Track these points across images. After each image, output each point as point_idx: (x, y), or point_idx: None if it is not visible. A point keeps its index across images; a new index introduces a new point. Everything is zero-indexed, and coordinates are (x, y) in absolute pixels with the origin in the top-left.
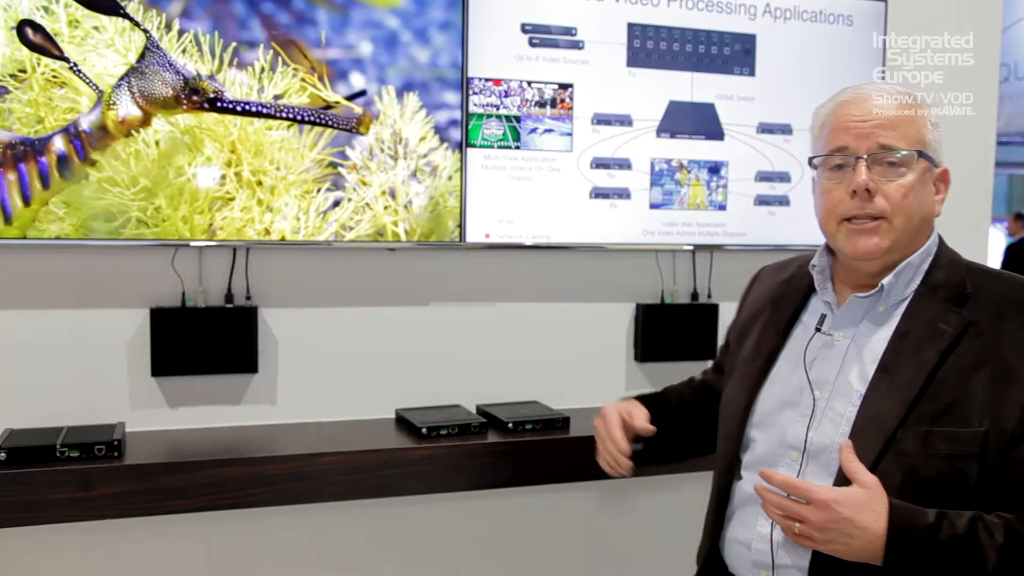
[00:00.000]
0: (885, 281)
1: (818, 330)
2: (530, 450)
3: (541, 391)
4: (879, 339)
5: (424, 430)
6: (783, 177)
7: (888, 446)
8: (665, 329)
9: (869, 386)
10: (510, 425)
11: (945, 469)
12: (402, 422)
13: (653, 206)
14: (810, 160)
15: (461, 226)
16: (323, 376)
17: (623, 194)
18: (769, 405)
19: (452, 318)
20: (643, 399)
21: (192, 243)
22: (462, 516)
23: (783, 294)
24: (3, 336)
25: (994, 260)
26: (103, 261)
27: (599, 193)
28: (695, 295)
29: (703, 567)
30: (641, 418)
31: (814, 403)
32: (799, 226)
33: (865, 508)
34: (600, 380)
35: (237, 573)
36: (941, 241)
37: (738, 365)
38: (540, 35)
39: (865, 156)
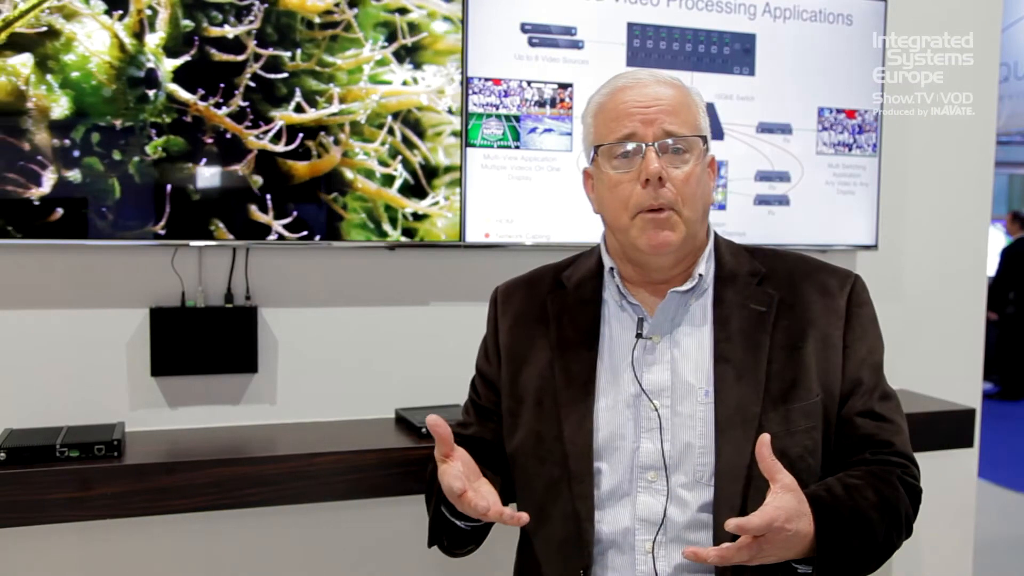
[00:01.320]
0: (701, 270)
1: (640, 336)
2: None
3: None
4: (700, 332)
5: (424, 430)
6: (783, 177)
7: (758, 434)
8: None
9: (715, 380)
10: None
11: (807, 443)
12: (402, 422)
13: None
14: (594, 149)
15: (461, 226)
16: (323, 376)
17: None
18: (607, 430)
19: (452, 318)
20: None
21: (192, 243)
22: None
23: (562, 310)
24: (3, 336)
25: (992, 260)
26: (103, 261)
27: None
28: None
29: None
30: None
31: (658, 414)
32: (799, 226)
33: (801, 515)
34: None
35: (237, 573)
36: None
37: (539, 398)
38: (540, 35)
39: (654, 143)
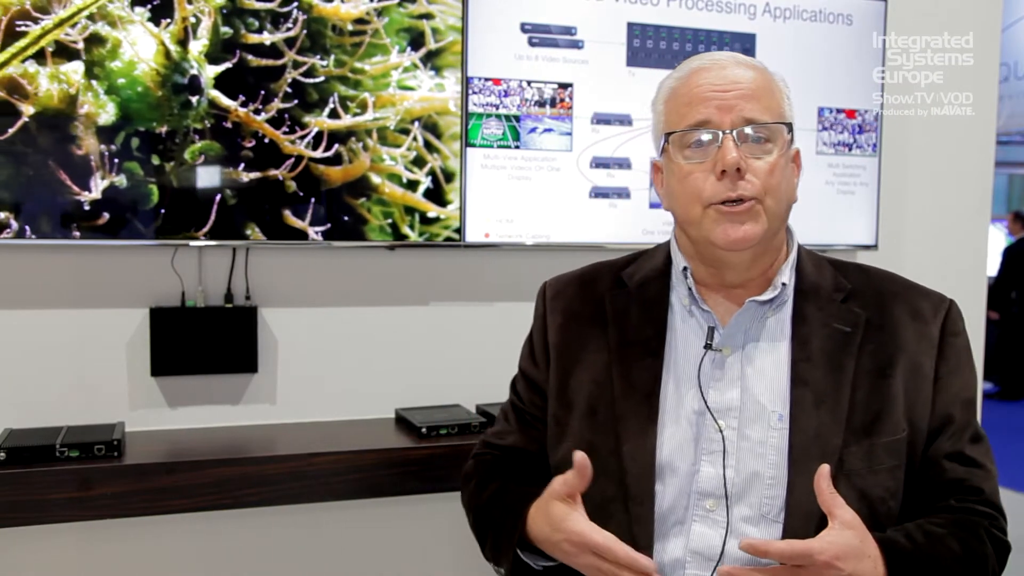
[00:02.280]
0: (784, 279)
1: (708, 347)
2: None
3: None
4: (777, 349)
5: (424, 430)
6: None
7: (838, 469)
8: None
9: (792, 404)
10: None
11: (890, 484)
12: (402, 422)
13: (653, 205)
14: (664, 137)
15: (461, 226)
16: (323, 376)
17: (623, 194)
18: (668, 448)
19: (452, 318)
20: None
21: (192, 243)
22: (462, 516)
23: (623, 310)
24: (3, 336)
25: (993, 259)
26: (103, 261)
27: (599, 193)
28: None
29: None
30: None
31: (723, 436)
32: (799, 226)
33: (862, 555)
34: None
35: (237, 573)
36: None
37: (593, 406)
38: (540, 35)
39: (731, 131)
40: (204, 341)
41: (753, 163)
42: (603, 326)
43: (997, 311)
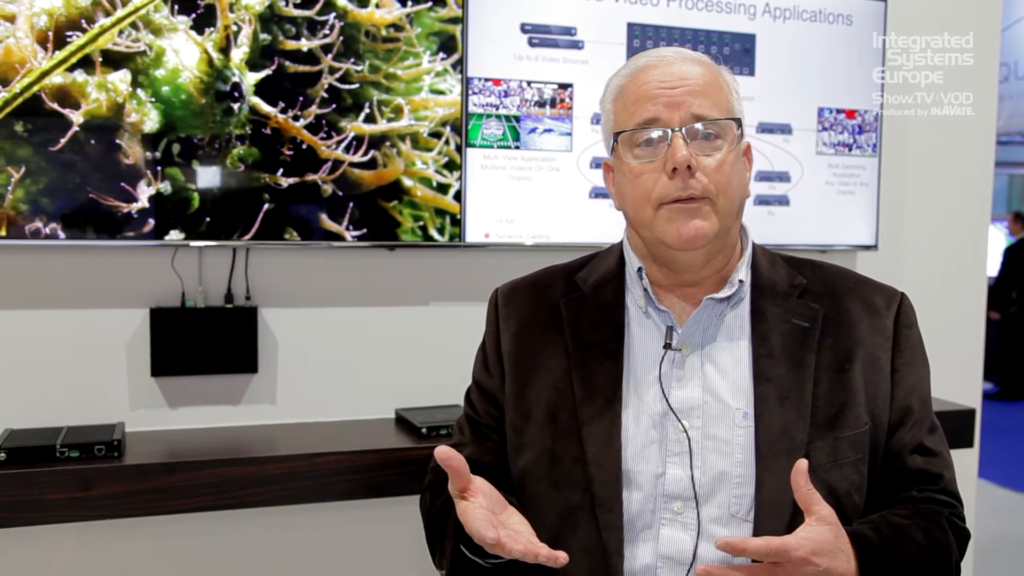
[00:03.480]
0: (741, 276)
1: (668, 346)
2: None
3: None
4: (737, 347)
5: (424, 430)
6: (783, 177)
7: None
8: None
9: (756, 401)
10: None
11: (854, 477)
12: (402, 422)
13: None
14: (614, 137)
15: (460, 226)
16: (323, 376)
17: None
18: (632, 452)
19: (452, 318)
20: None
21: (192, 243)
22: None
23: (579, 314)
24: (3, 336)
25: (994, 260)
26: (103, 261)
27: (599, 193)
28: None
29: None
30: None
31: (687, 436)
32: (799, 226)
33: (837, 551)
34: None
35: (237, 573)
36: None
37: (553, 413)
38: (540, 35)
39: (680, 128)
40: (204, 341)
41: (703, 160)
42: (559, 331)
43: (997, 311)
